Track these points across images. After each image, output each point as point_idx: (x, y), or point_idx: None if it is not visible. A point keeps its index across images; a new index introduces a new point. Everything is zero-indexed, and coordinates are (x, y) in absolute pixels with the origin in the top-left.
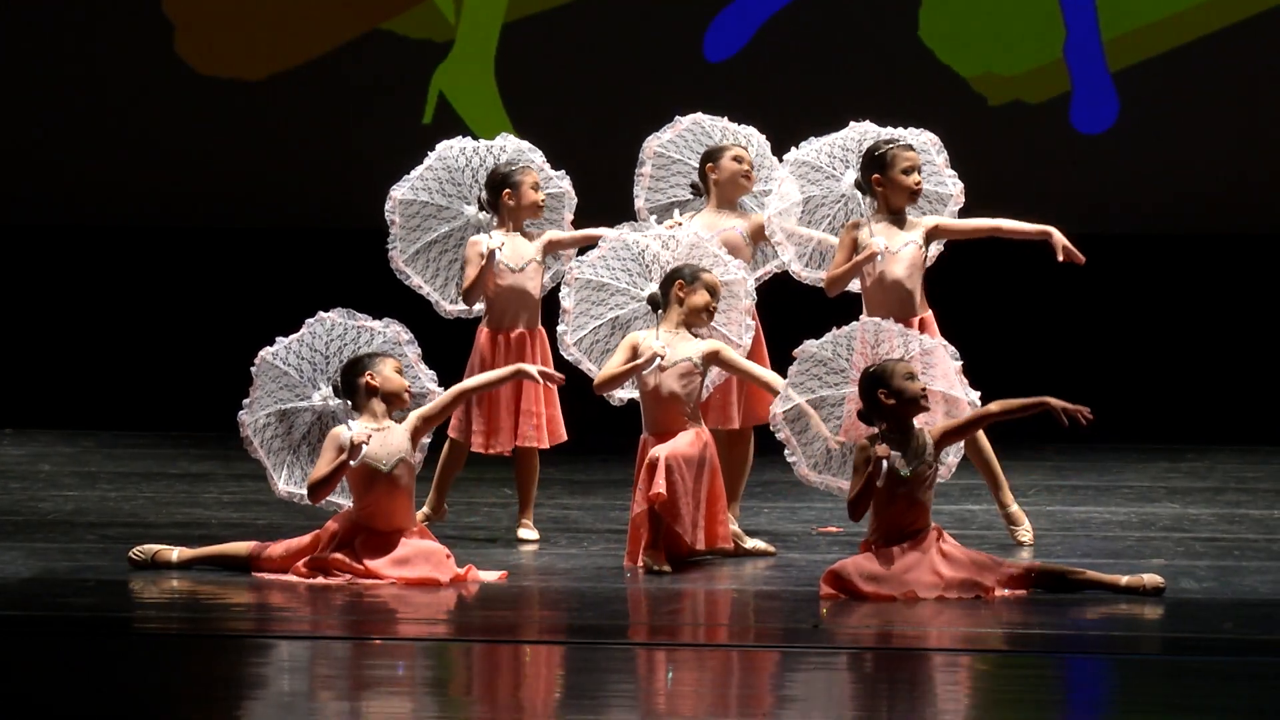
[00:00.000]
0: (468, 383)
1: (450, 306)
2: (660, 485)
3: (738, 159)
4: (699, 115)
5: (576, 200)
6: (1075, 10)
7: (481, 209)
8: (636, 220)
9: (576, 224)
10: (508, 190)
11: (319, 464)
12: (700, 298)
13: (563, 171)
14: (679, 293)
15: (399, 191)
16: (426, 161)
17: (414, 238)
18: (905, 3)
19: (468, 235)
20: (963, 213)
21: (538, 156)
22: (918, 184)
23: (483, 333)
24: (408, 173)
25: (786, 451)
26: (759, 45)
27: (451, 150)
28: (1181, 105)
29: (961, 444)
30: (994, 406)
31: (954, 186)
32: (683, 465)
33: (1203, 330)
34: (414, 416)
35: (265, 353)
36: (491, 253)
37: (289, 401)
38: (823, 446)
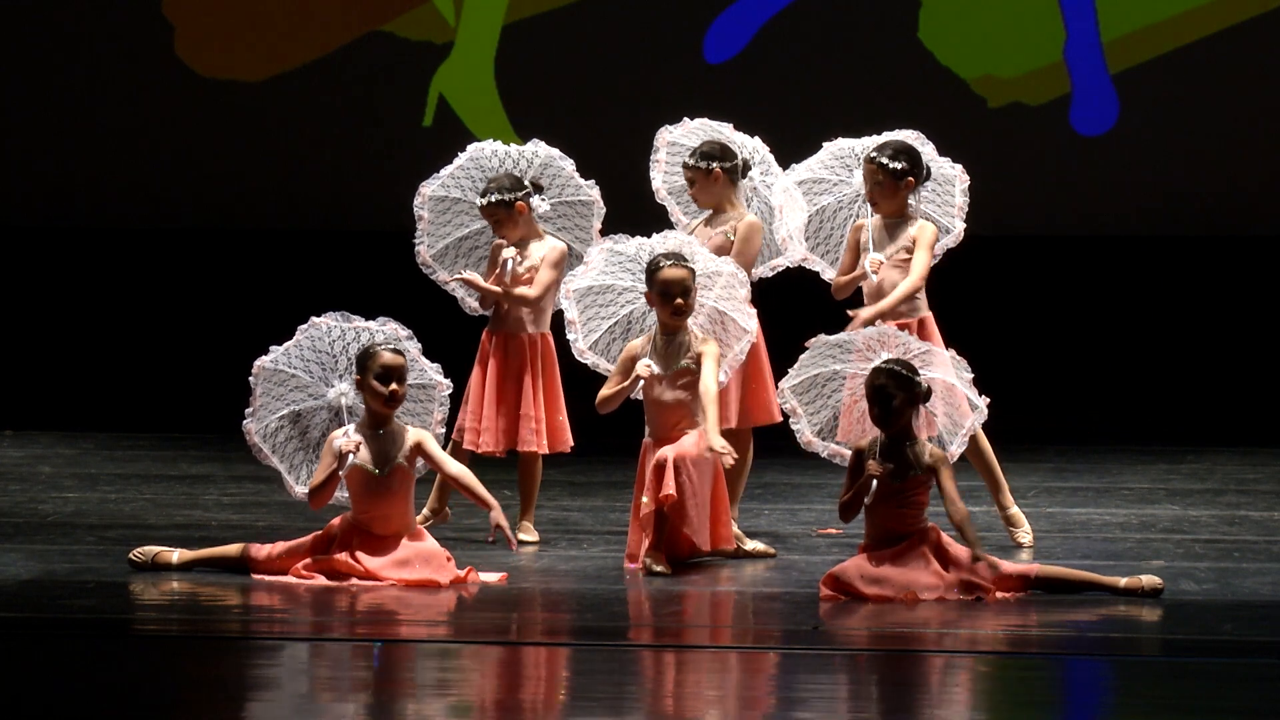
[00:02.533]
0: (467, 479)
1: (474, 303)
2: (670, 486)
3: (690, 181)
4: (705, 119)
5: (605, 210)
6: (1075, 12)
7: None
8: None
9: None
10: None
11: (316, 471)
12: (663, 301)
13: (593, 181)
14: (649, 304)
15: (429, 188)
16: (458, 160)
17: (443, 233)
18: (905, 5)
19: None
20: (971, 200)
21: (568, 165)
22: (870, 195)
23: (485, 332)
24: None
25: (792, 420)
26: (759, 47)
27: (484, 151)
28: (1181, 107)
29: (966, 440)
30: (960, 521)
31: (952, 169)
32: (690, 466)
33: (1203, 332)
34: (419, 442)
35: (262, 361)
36: (505, 261)
37: (302, 402)
38: (830, 414)
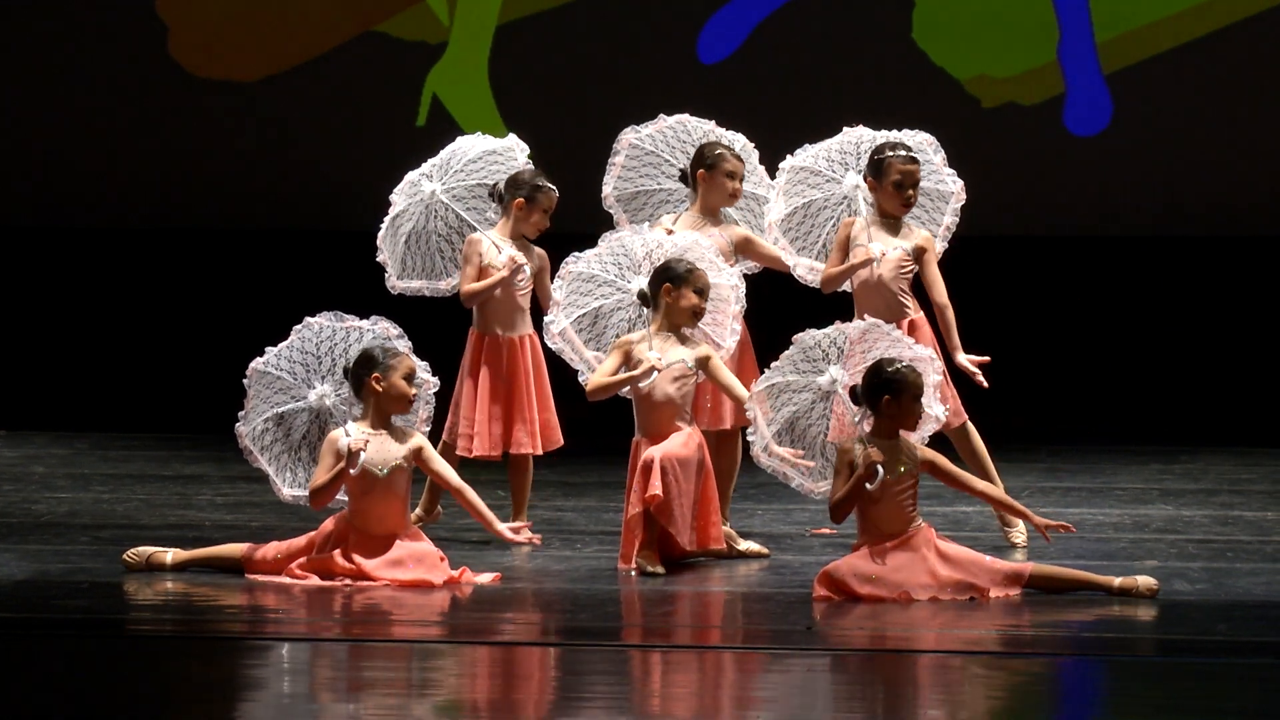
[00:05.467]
0: (468, 494)
1: (397, 282)
2: (655, 487)
3: (731, 175)
4: (685, 115)
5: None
6: (1069, 13)
7: (491, 196)
8: (603, 207)
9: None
10: (521, 201)
11: (318, 470)
12: (688, 300)
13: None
14: (666, 297)
15: (411, 173)
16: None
17: (390, 212)
18: (899, 5)
19: (431, 213)
20: (963, 212)
21: (521, 155)
22: (909, 198)
23: (473, 335)
24: (406, 172)
25: (749, 430)
26: (753, 47)
27: (468, 140)
28: (1175, 108)
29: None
30: (987, 489)
31: (954, 184)
32: (677, 467)
33: (1197, 332)
34: (421, 445)
35: (256, 363)
36: (520, 268)
37: (284, 404)
38: (775, 430)
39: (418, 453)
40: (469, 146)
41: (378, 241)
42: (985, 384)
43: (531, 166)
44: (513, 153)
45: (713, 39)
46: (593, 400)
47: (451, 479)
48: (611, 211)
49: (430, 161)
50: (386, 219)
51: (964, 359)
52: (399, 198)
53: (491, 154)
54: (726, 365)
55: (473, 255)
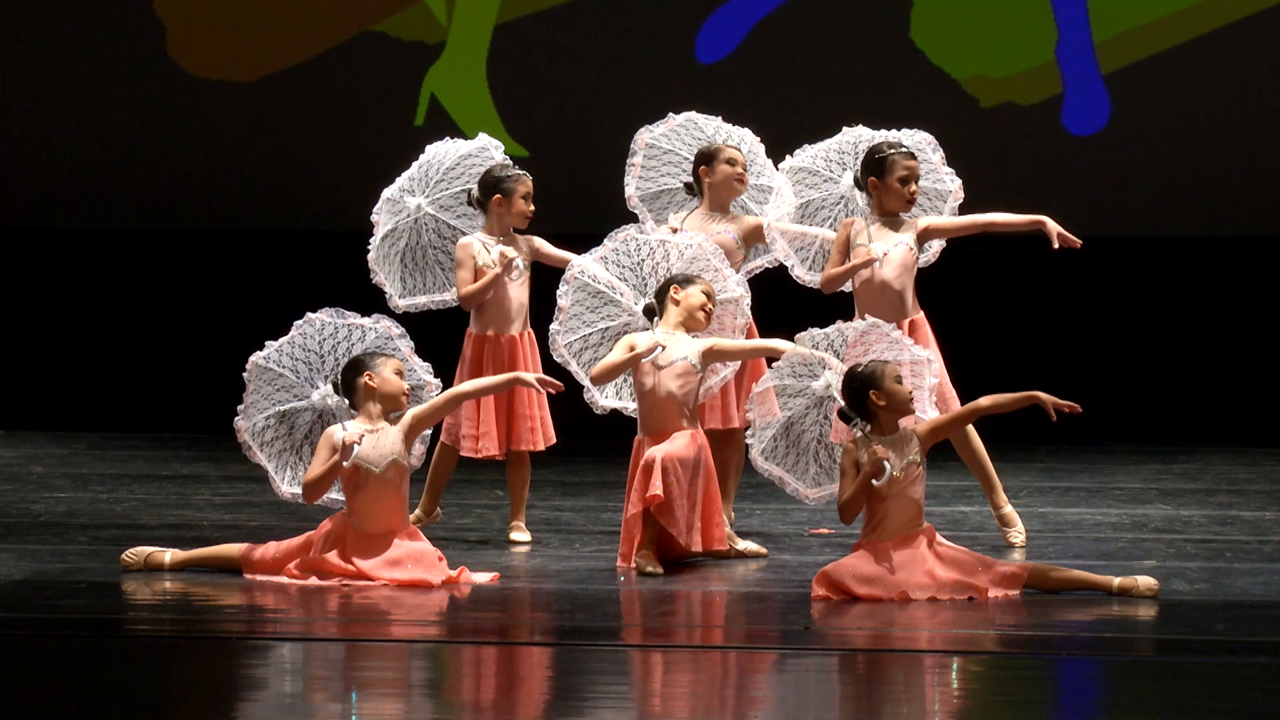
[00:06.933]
0: (463, 387)
1: (400, 300)
2: (656, 487)
3: (731, 161)
4: (693, 113)
5: None
6: (1067, 12)
7: (470, 203)
8: (627, 208)
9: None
10: (499, 196)
11: (313, 465)
12: (696, 298)
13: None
14: (674, 295)
15: (388, 190)
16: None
17: (378, 233)
18: (897, 4)
19: (421, 227)
20: (960, 211)
21: (498, 154)
22: (913, 194)
23: (470, 336)
24: (400, 172)
25: (749, 432)
26: (751, 47)
27: (440, 148)
28: (1173, 107)
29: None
30: (984, 401)
31: (952, 183)
32: (679, 467)
33: (1194, 332)
34: (409, 416)
35: (256, 357)
36: (511, 262)
37: (287, 402)
38: (771, 434)
39: (415, 422)
40: (443, 154)
41: (370, 264)
42: (1079, 242)
43: (498, 160)
44: (488, 151)
45: (710, 39)
46: (597, 384)
47: (454, 391)
48: (635, 211)
49: (406, 175)
50: (375, 240)
51: (1056, 226)
52: (383, 216)
53: (468, 157)
54: (737, 368)
55: (465, 258)
